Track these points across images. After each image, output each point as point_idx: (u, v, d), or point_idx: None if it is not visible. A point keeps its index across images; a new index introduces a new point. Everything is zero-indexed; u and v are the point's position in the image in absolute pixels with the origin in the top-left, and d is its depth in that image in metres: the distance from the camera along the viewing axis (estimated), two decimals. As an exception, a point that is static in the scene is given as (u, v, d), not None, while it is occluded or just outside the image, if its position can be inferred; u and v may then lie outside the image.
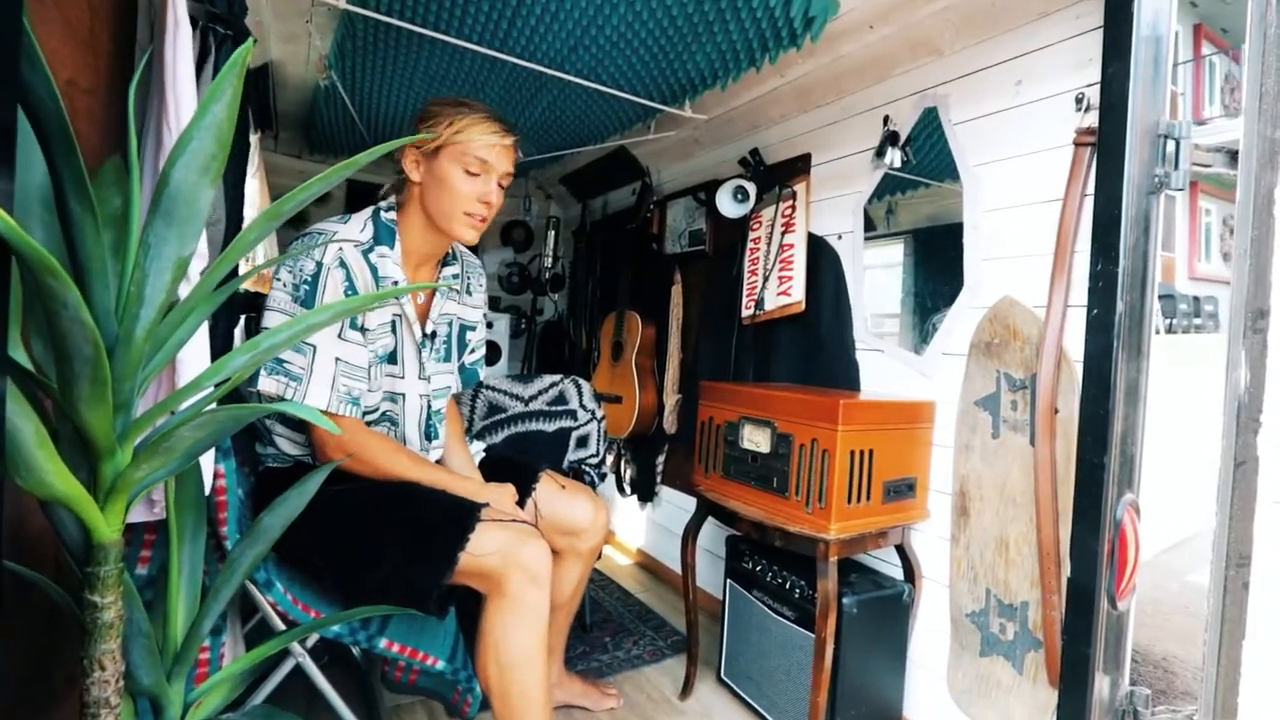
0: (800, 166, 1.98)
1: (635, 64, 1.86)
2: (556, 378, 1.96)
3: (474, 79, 2.08)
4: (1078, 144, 1.30)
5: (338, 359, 1.20)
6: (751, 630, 1.69)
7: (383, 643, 1.27)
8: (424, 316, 1.39)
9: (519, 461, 1.60)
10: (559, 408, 1.96)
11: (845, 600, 1.44)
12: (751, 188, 2.01)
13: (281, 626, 1.26)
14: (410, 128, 1.32)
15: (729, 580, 1.78)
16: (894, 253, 1.81)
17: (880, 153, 1.68)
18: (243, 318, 2.14)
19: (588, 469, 2.01)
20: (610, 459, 2.87)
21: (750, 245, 2.11)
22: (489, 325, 3.20)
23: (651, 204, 2.67)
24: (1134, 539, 1.24)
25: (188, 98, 0.94)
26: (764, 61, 1.79)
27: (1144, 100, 1.21)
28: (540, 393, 1.93)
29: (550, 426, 1.95)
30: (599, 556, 1.69)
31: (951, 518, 1.51)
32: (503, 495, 1.33)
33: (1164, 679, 2.49)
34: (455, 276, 1.45)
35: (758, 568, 1.68)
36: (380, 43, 1.86)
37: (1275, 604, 1.24)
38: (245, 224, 2.07)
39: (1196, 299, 10.41)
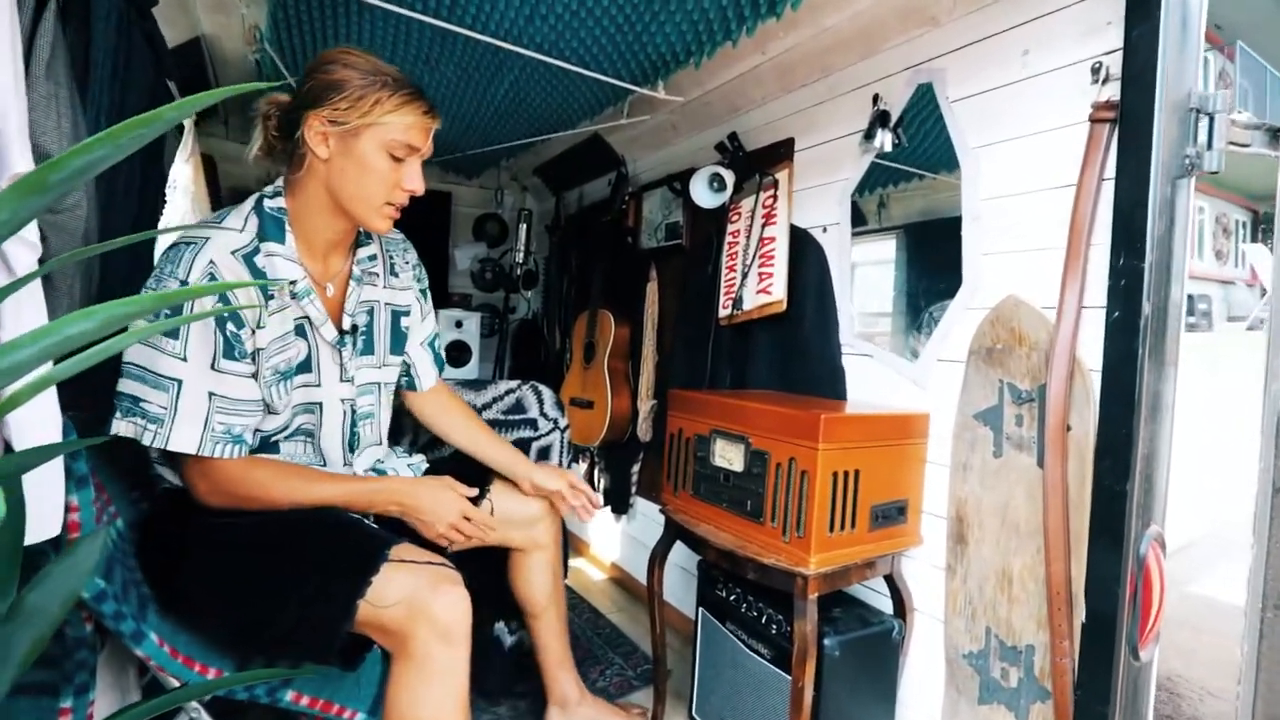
0: (782, 152, 1.81)
1: (600, 37, 1.68)
2: (514, 384, 1.78)
3: (427, 54, 1.90)
4: (1094, 120, 1.12)
5: (212, 394, 1.02)
6: (724, 666, 1.52)
7: (289, 696, 1.09)
8: (338, 310, 1.20)
9: (470, 468, 1.44)
10: (516, 416, 1.77)
11: (826, 641, 1.27)
12: (728, 175, 1.83)
13: (174, 683, 1.08)
14: (299, 77, 1.12)
15: (701, 609, 1.61)
16: (886, 248, 1.64)
17: (869, 135, 1.51)
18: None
19: (550, 483, 1.83)
20: (583, 469, 2.70)
21: (729, 239, 1.93)
22: (458, 324, 3.02)
23: (627, 195, 2.49)
24: (1159, 579, 1.07)
25: (3, 52, 0.76)
26: (740, 34, 1.61)
27: (1173, 67, 1.04)
28: (495, 400, 1.75)
29: (507, 437, 1.77)
30: (566, 555, 1.61)
31: (947, 545, 1.34)
32: (437, 491, 1.17)
33: (1170, 702, 2.34)
34: (372, 259, 1.26)
35: (731, 597, 1.51)
36: (317, 12, 1.67)
37: (1320, 652, 1.08)
38: (168, 207, 1.88)
39: (1191, 297, 10.33)
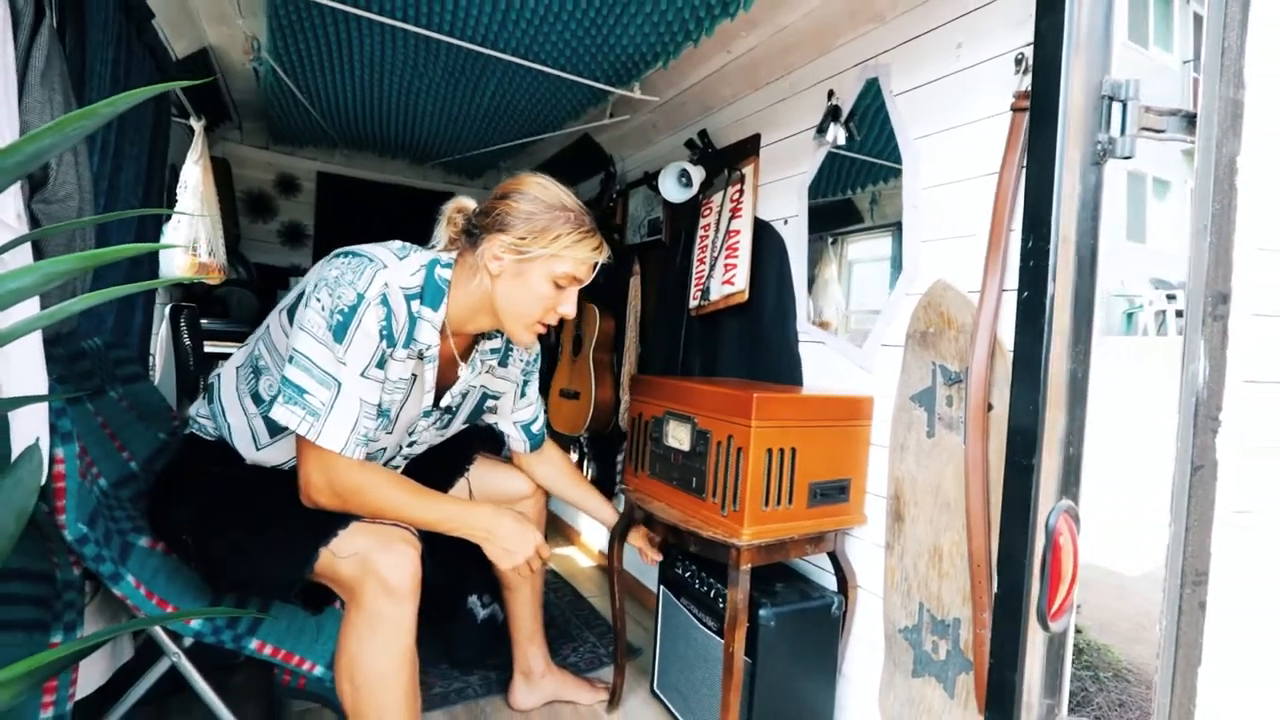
0: (750, 148, 1.87)
1: (570, 40, 1.76)
2: (490, 370, 1.87)
3: (414, 60, 2.02)
4: (1015, 110, 1.17)
5: (362, 400, 1.09)
6: (679, 640, 1.58)
7: (253, 644, 1.20)
8: (444, 386, 1.28)
9: (453, 444, 1.53)
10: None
11: (763, 612, 1.33)
12: (695, 171, 1.90)
13: (155, 627, 1.20)
14: (489, 198, 1.18)
15: (661, 586, 1.67)
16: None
17: (821, 129, 1.56)
18: (169, 308, 2.10)
19: (525, 466, 1.92)
20: (573, 457, 2.78)
21: (700, 232, 2.00)
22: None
23: (615, 193, 2.58)
24: (1071, 552, 1.11)
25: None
26: (701, 35, 1.68)
27: (1085, 57, 1.07)
28: (471, 385, 1.84)
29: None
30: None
31: (886, 523, 1.38)
32: (519, 527, 1.22)
33: (1145, 695, 2.33)
34: (494, 351, 1.34)
35: (686, 573, 1.57)
36: (308, 22, 1.80)
37: (1234, 626, 1.10)
38: (178, 207, 2.03)
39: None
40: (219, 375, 1.28)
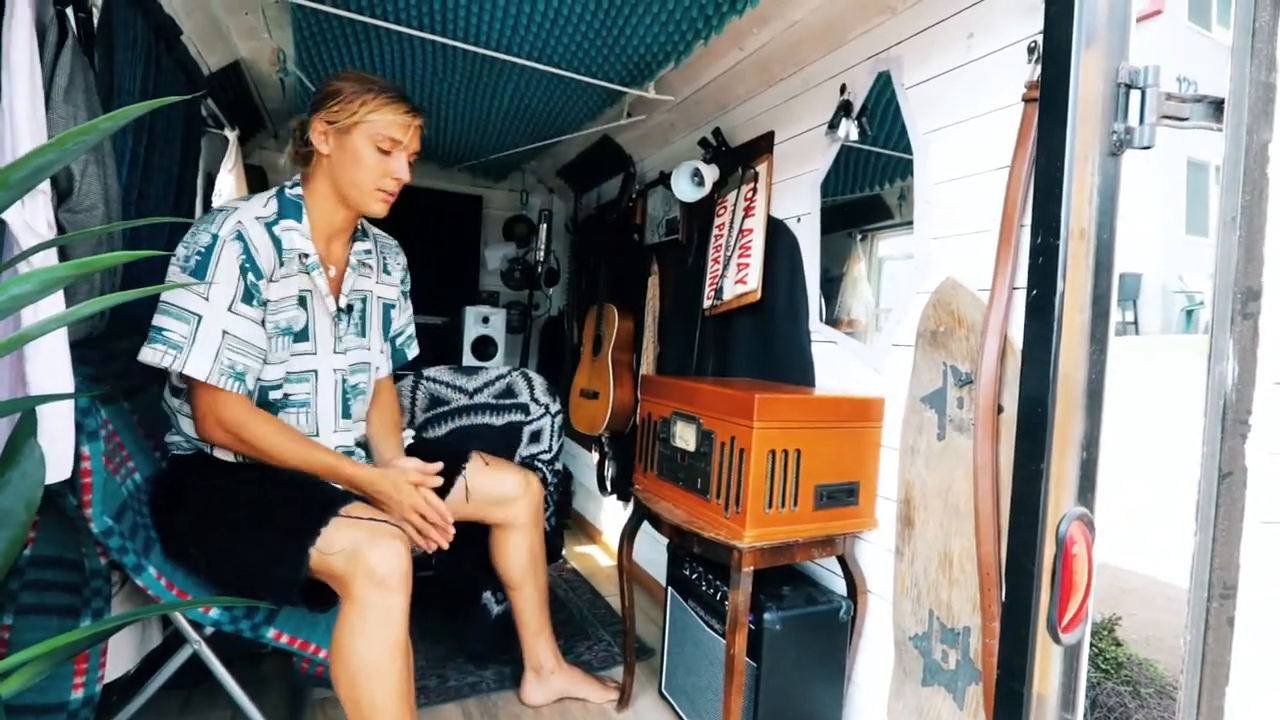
0: (763, 145, 1.84)
1: (581, 42, 1.78)
2: (504, 370, 1.90)
3: (433, 67, 2.06)
4: (1027, 100, 1.12)
5: (225, 331, 1.17)
6: (687, 641, 1.57)
7: (270, 632, 1.25)
8: (336, 291, 1.37)
9: (451, 448, 1.57)
10: (507, 401, 1.90)
11: (768, 615, 1.31)
12: (708, 170, 1.89)
13: (177, 615, 1.25)
14: (309, 101, 1.32)
15: (669, 588, 1.67)
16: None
17: (833, 125, 1.53)
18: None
19: (540, 465, 1.95)
20: (595, 458, 2.80)
21: (715, 231, 1.99)
22: (484, 320, 3.18)
23: (634, 193, 2.58)
24: (1086, 562, 1.06)
25: (22, 81, 0.93)
26: (711, 32, 1.67)
27: (1100, 43, 1.02)
28: (486, 385, 1.88)
29: (499, 420, 1.90)
30: (557, 537, 1.69)
31: (896, 528, 1.35)
32: (399, 480, 1.27)
33: (1170, 707, 2.21)
34: (368, 253, 1.44)
35: (694, 575, 1.56)
36: (330, 34, 1.86)
37: (1266, 640, 1.04)
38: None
39: None
40: (164, 402, 1.34)
